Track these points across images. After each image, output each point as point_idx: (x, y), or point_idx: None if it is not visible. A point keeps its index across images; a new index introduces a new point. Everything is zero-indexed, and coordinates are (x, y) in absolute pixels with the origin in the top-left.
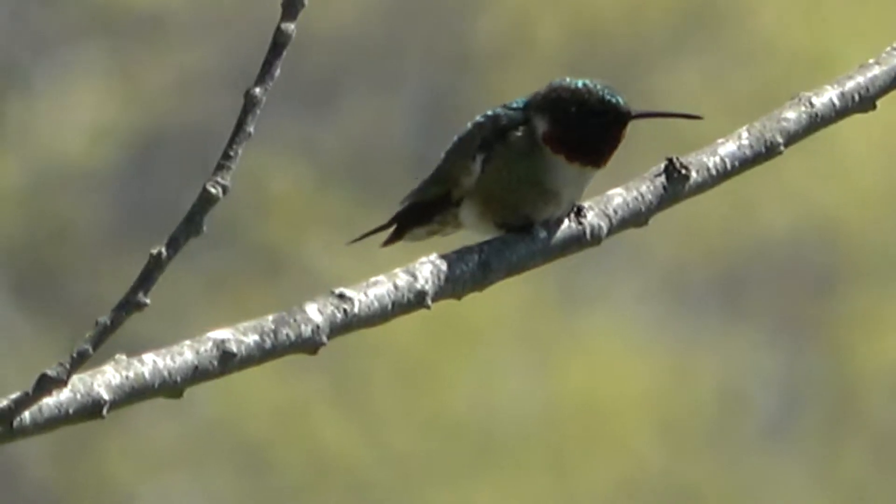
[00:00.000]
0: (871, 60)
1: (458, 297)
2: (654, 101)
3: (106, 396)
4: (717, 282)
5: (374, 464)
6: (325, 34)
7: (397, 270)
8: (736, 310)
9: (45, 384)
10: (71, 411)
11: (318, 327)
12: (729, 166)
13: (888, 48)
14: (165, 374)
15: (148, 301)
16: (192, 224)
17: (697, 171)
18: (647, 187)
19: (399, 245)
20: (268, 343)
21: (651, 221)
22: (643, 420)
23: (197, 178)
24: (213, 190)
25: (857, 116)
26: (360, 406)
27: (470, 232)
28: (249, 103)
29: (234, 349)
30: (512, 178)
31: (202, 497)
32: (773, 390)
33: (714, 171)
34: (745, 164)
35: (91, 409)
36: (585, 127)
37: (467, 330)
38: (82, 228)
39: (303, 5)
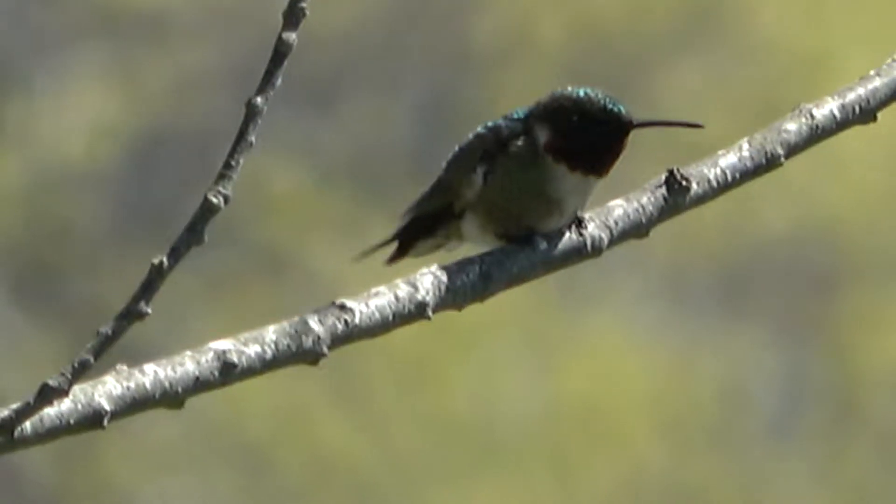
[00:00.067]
0: (871, 72)
1: (459, 308)
2: (655, 102)
3: (107, 407)
4: (718, 281)
5: (376, 465)
6: (326, 34)
7: (398, 281)
8: (737, 309)
9: (47, 394)
10: (72, 421)
11: (319, 338)
12: (730, 178)
13: (889, 60)
14: (166, 384)
15: (149, 311)
16: (193, 233)
17: (698, 183)
18: (647, 199)
19: None
20: (269, 354)
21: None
22: (644, 420)
23: (197, 178)
24: (214, 199)
25: None
26: (362, 407)
27: (471, 244)
28: (251, 113)
29: (235, 360)
30: (515, 188)
31: (203, 499)
32: (774, 390)
33: (715, 183)
34: (745, 175)
35: (92, 420)
36: (587, 136)
37: (468, 330)
38: (82, 228)
39: (304, 14)
